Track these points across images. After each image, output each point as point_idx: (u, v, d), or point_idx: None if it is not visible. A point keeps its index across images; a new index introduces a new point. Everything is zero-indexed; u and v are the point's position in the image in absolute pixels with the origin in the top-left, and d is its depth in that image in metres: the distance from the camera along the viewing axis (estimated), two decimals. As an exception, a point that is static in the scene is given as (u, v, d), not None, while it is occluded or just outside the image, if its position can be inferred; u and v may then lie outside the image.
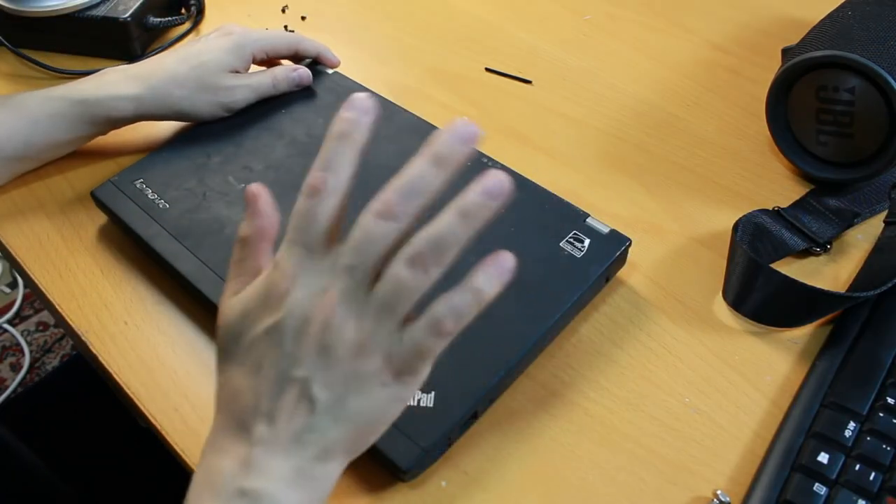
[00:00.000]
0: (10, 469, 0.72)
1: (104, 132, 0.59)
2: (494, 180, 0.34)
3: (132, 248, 0.54)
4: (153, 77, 0.57)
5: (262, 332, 0.35)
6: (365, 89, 0.61)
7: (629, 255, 0.51)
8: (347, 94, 0.60)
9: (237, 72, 0.59)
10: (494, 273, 0.35)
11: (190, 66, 0.57)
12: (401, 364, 0.34)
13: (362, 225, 0.34)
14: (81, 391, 0.91)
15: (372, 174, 0.54)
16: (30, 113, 0.55)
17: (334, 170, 0.36)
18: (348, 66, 0.65)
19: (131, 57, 0.70)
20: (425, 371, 0.35)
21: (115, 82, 0.56)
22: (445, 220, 0.34)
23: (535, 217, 0.51)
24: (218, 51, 0.58)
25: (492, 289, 0.34)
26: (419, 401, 0.42)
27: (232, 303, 0.37)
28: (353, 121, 0.37)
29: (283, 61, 0.63)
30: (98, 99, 0.56)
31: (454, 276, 0.48)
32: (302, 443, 0.34)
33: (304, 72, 0.61)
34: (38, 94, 0.56)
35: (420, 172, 0.34)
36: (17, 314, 1.42)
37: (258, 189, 0.39)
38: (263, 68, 0.61)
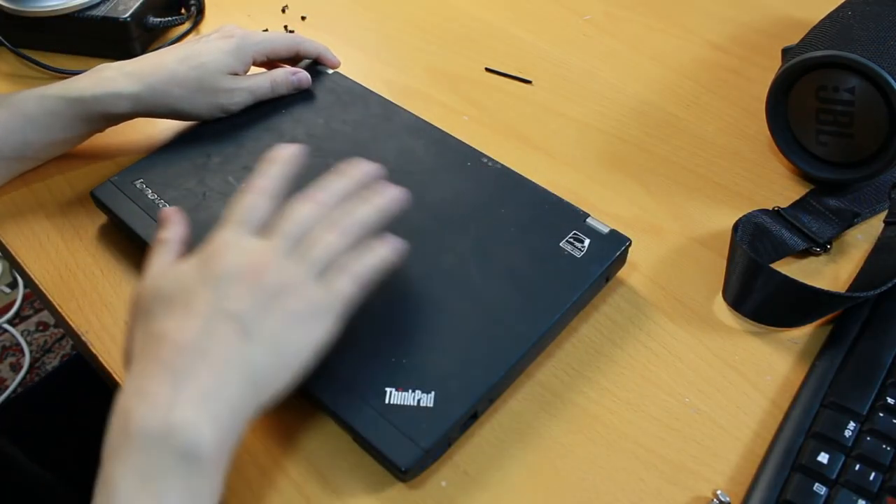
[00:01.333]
0: (7, 470, 0.72)
1: (101, 129, 0.59)
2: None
3: (132, 248, 0.54)
4: (152, 75, 0.56)
5: (194, 280, 0.39)
6: (365, 89, 0.61)
7: (629, 255, 0.51)
8: (347, 94, 0.61)
9: (237, 74, 0.59)
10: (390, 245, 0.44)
11: (190, 66, 0.57)
12: (320, 308, 0.40)
13: (293, 207, 0.42)
14: (81, 391, 0.91)
15: (372, 174, 0.54)
16: (26, 112, 0.55)
17: (271, 181, 0.44)
18: (348, 66, 0.65)
19: (131, 57, 0.70)
20: (334, 323, 0.40)
21: (111, 79, 0.56)
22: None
23: (535, 217, 0.51)
24: (218, 52, 0.58)
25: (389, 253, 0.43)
26: (419, 401, 0.42)
27: (160, 270, 0.41)
28: (283, 159, 0.45)
29: (283, 64, 0.63)
30: (95, 97, 0.55)
31: (456, 277, 0.48)
32: (232, 373, 0.36)
33: (303, 76, 0.61)
34: (33, 92, 0.56)
35: (344, 188, 0.45)
36: (17, 314, 1.42)
37: (170, 211, 0.47)
38: (263, 70, 0.61)
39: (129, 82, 0.56)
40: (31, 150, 0.57)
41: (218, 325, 0.37)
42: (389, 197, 0.44)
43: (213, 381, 0.36)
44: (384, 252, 0.43)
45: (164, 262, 0.42)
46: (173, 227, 0.45)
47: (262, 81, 0.59)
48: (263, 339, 0.37)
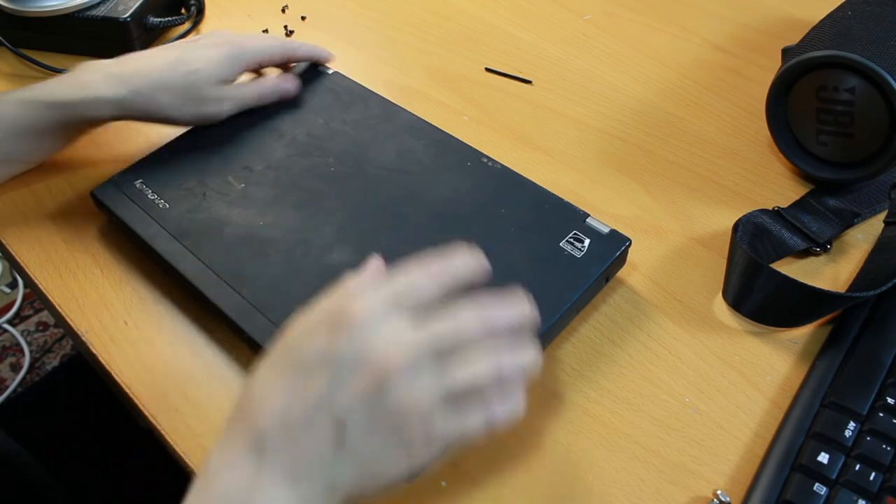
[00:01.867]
0: (8, 470, 0.72)
1: (85, 132, 0.57)
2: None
3: (132, 248, 0.54)
4: (139, 78, 0.54)
5: (317, 351, 0.35)
6: (365, 89, 0.61)
7: (629, 255, 0.51)
8: (347, 94, 0.61)
9: (227, 82, 0.57)
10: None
11: (180, 73, 0.55)
12: (433, 440, 0.35)
13: (465, 317, 0.36)
14: (81, 391, 0.91)
15: (372, 175, 0.54)
16: (4, 117, 0.53)
17: (455, 274, 0.39)
18: (348, 66, 0.65)
19: (131, 57, 0.70)
20: (440, 455, 0.36)
21: (92, 83, 0.53)
22: (532, 353, 0.38)
23: (535, 217, 0.51)
24: (209, 61, 0.56)
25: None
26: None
27: (297, 323, 0.37)
28: (475, 270, 0.39)
29: (275, 69, 0.63)
30: (74, 102, 0.53)
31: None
32: (312, 476, 0.34)
33: (290, 86, 0.60)
34: (12, 95, 0.54)
35: (515, 321, 0.38)
36: (17, 314, 1.42)
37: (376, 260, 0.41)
38: (253, 76, 0.61)
39: (113, 86, 0.53)
40: (14, 155, 0.56)
41: (319, 419, 0.34)
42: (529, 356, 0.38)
43: (292, 474, 0.34)
44: (521, 402, 0.37)
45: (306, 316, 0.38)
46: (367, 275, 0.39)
47: (249, 92, 0.58)
48: (357, 455, 0.34)
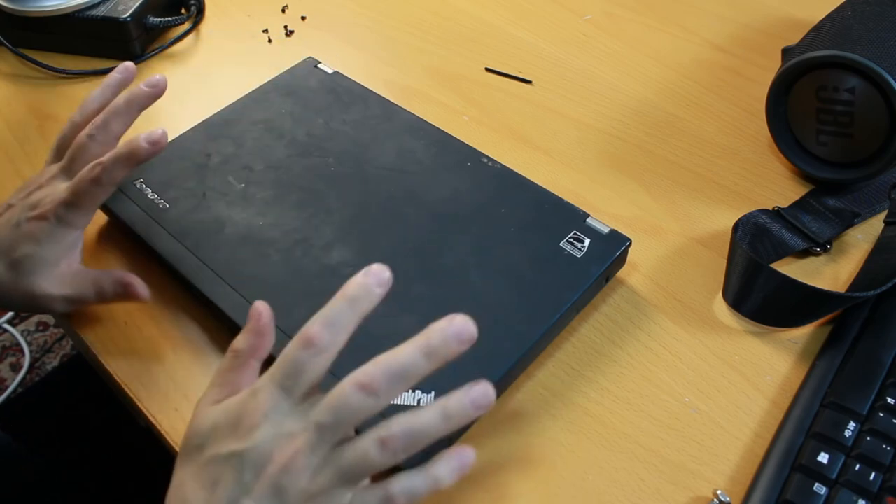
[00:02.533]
0: (8, 469, 0.72)
1: None
2: (481, 392, 0.36)
3: (132, 248, 0.54)
4: None
5: (225, 453, 0.36)
6: (365, 89, 0.61)
7: (629, 255, 0.51)
8: (347, 94, 0.61)
9: (60, 266, 0.49)
10: (456, 465, 0.36)
11: (3, 265, 0.48)
12: None
13: (343, 391, 0.35)
14: (81, 391, 0.91)
15: (372, 175, 0.54)
16: None
17: (334, 330, 0.37)
18: (348, 66, 0.65)
19: (131, 57, 0.70)
20: None
21: None
22: (427, 416, 0.35)
23: (535, 217, 0.51)
24: (30, 243, 0.48)
25: (450, 479, 0.36)
26: (419, 400, 0.42)
27: (207, 412, 0.38)
28: (367, 287, 0.37)
29: (113, 272, 0.51)
30: None
31: (456, 277, 0.48)
32: None
33: (133, 287, 0.49)
34: None
35: (411, 360, 0.35)
36: (17, 314, 1.42)
37: (263, 308, 0.41)
38: (90, 273, 0.50)
39: None
40: None
41: None
42: (477, 400, 0.36)
43: None
44: (443, 474, 0.36)
45: (212, 396, 0.39)
46: (257, 336, 0.40)
47: (85, 289, 0.49)
48: None
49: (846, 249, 0.54)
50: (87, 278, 0.49)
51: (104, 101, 0.52)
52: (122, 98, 0.51)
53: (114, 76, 0.53)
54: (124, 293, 0.49)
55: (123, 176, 0.48)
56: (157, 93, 0.51)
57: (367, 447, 0.35)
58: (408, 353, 0.35)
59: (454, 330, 0.35)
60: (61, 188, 0.48)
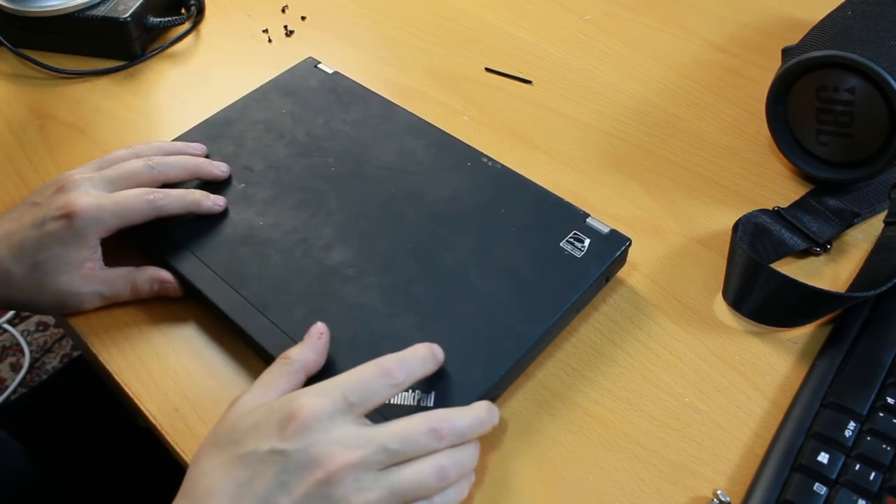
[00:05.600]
0: (8, 469, 0.72)
1: None
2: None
3: (132, 248, 0.54)
4: None
5: (265, 450, 0.36)
6: (365, 89, 0.61)
7: (629, 255, 0.51)
8: (347, 94, 0.61)
9: (85, 264, 0.48)
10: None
11: (26, 266, 0.47)
12: None
13: (415, 427, 0.38)
14: (81, 391, 0.91)
15: (372, 175, 0.54)
16: None
17: (407, 373, 0.40)
18: (348, 66, 0.65)
19: (132, 57, 0.70)
20: None
21: None
22: (472, 450, 0.40)
23: (535, 217, 0.51)
24: (55, 245, 0.47)
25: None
26: (419, 400, 0.42)
27: (250, 407, 0.38)
28: (435, 356, 0.42)
29: (147, 269, 0.51)
30: None
31: (456, 277, 0.48)
32: None
33: (171, 286, 0.50)
34: None
35: (478, 421, 0.40)
36: (17, 314, 1.42)
37: (324, 329, 0.44)
38: (122, 270, 0.50)
39: None
40: None
41: None
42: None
43: None
44: (464, 494, 0.40)
45: (259, 395, 0.39)
46: (312, 352, 0.42)
47: (119, 286, 0.50)
48: None
49: (846, 249, 0.54)
50: (121, 276, 0.50)
51: (174, 152, 0.54)
52: (192, 161, 0.54)
53: (193, 147, 0.56)
54: (159, 289, 0.50)
55: (170, 214, 0.50)
56: (219, 178, 0.54)
57: (427, 475, 0.37)
58: (471, 421, 0.40)
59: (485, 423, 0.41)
60: (97, 194, 0.49)
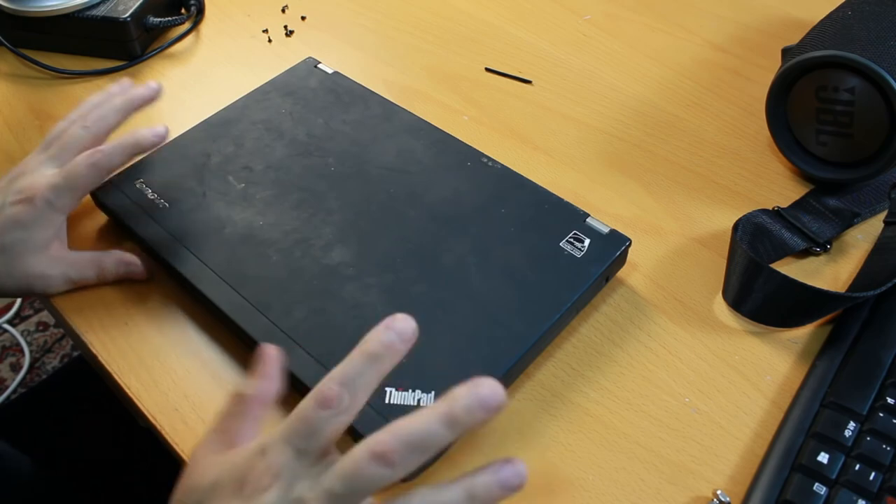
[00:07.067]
0: (8, 470, 0.72)
1: None
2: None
3: (132, 248, 0.54)
4: None
5: None
6: (365, 89, 0.61)
7: (629, 255, 0.51)
8: (347, 94, 0.61)
9: (51, 246, 0.49)
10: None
11: None
12: None
13: (357, 461, 0.32)
14: (81, 391, 0.91)
15: (372, 175, 0.54)
16: None
17: (353, 390, 0.34)
18: (348, 66, 0.65)
19: (132, 57, 0.70)
20: None
21: None
22: (446, 488, 0.32)
23: (535, 217, 0.51)
24: (16, 229, 0.48)
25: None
26: (419, 400, 0.42)
27: (208, 462, 0.36)
28: (389, 346, 0.34)
29: (113, 252, 0.52)
30: None
31: (456, 277, 0.48)
32: None
33: (135, 268, 0.51)
34: None
35: (431, 430, 0.32)
36: (17, 314, 1.42)
37: (274, 352, 0.38)
38: (88, 254, 0.51)
39: None
40: None
41: None
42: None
43: None
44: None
45: (212, 442, 0.37)
46: (263, 380, 0.38)
47: (86, 269, 0.51)
48: None
49: (846, 249, 0.54)
50: (87, 259, 0.51)
51: (103, 101, 0.54)
52: (118, 98, 0.53)
53: (114, 87, 0.55)
54: (126, 272, 0.51)
55: (120, 164, 0.50)
56: (152, 96, 0.53)
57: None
58: (428, 422, 0.32)
59: (480, 398, 0.31)
60: (49, 174, 0.50)
